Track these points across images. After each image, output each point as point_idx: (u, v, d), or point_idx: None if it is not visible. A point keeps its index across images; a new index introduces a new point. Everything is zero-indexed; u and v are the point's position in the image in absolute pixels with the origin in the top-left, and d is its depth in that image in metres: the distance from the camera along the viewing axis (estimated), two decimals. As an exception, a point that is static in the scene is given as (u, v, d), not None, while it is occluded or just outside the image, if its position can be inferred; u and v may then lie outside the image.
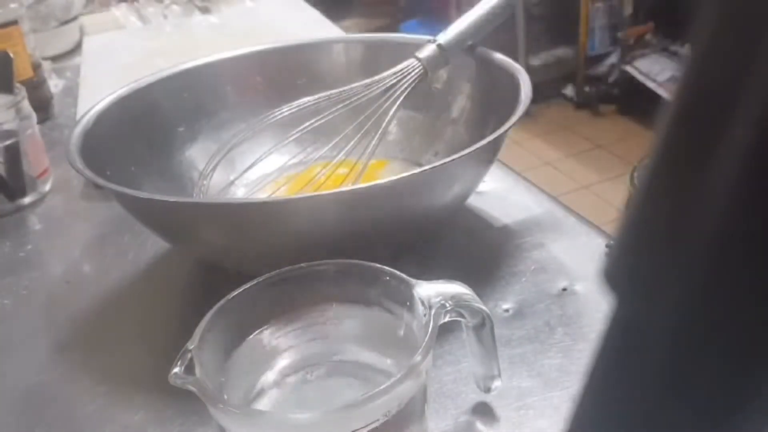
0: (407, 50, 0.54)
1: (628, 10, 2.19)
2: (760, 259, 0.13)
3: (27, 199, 0.62)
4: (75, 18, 1.01)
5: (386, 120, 0.50)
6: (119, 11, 1.07)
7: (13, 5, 0.74)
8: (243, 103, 0.60)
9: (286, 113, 0.53)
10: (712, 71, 0.14)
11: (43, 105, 0.77)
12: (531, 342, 0.40)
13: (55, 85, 0.87)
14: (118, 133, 0.53)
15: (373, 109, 0.50)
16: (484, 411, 0.36)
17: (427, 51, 0.52)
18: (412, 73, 0.52)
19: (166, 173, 0.54)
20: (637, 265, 0.15)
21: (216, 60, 0.61)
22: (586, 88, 2.27)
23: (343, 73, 0.59)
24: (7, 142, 0.60)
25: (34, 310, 0.49)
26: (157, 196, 0.44)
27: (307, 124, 0.52)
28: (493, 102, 0.52)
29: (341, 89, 0.52)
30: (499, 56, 0.54)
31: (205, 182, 0.53)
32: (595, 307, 0.42)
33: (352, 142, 0.50)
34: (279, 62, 0.62)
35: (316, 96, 0.52)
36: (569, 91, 2.31)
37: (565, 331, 0.41)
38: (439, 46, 0.53)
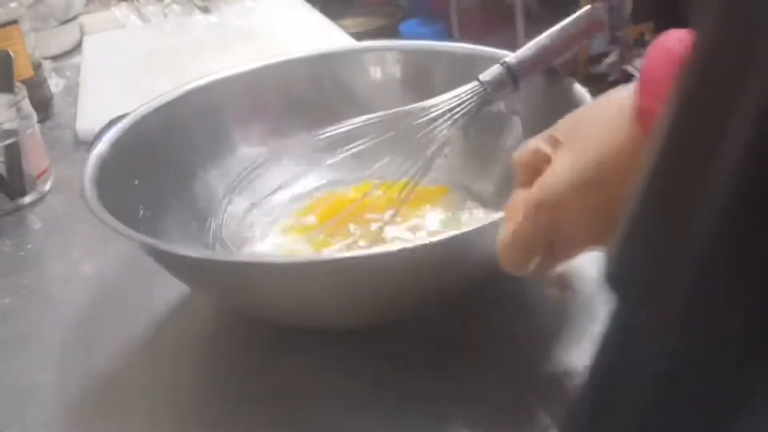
0: (441, 62, 0.51)
1: (627, 9, 2.19)
2: (759, 259, 0.13)
3: (27, 199, 0.62)
4: (75, 17, 1.01)
5: (438, 147, 0.45)
6: (119, 10, 1.07)
7: (13, 5, 0.74)
8: (265, 122, 0.55)
9: (333, 133, 0.48)
10: (712, 71, 0.14)
11: (43, 104, 0.77)
12: (532, 340, 0.40)
13: (55, 84, 0.87)
14: (133, 161, 0.49)
15: (427, 134, 0.46)
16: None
17: (493, 73, 0.46)
18: (473, 98, 0.46)
19: (185, 199, 0.50)
20: (637, 265, 0.15)
21: (235, 74, 0.56)
22: (586, 88, 2.27)
23: (379, 88, 0.55)
24: (8, 142, 0.60)
25: (34, 309, 0.49)
26: (183, 251, 0.40)
27: (357, 143, 0.47)
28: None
29: (392, 111, 0.47)
30: (575, 85, 0.48)
31: (223, 209, 0.49)
32: (595, 306, 0.42)
33: (400, 166, 0.46)
34: (304, 75, 0.56)
35: (365, 117, 0.47)
36: (569, 90, 2.31)
37: (566, 330, 0.41)
38: (508, 68, 0.46)
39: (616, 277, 0.16)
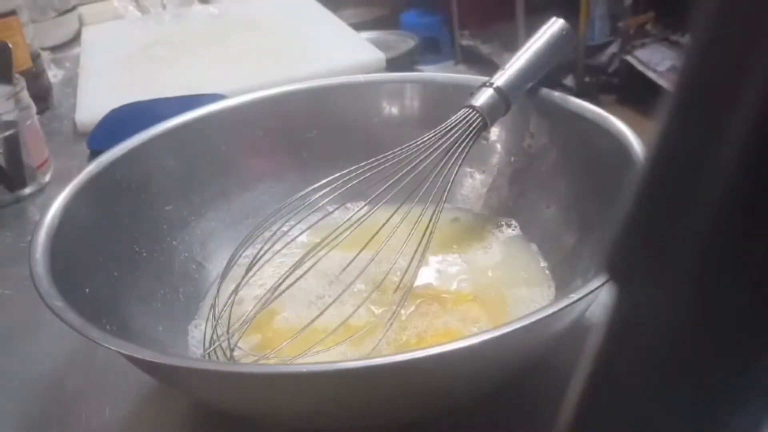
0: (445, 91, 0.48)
1: (628, -1, 2.18)
2: (760, 247, 0.13)
3: (27, 190, 0.62)
4: (73, 8, 1.01)
5: (446, 190, 0.41)
6: (118, 1, 1.07)
7: (11, -5, 0.73)
8: (242, 167, 0.49)
9: (327, 190, 0.41)
10: (713, 60, 0.14)
11: (42, 95, 0.77)
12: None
13: (54, 75, 0.87)
14: (91, 226, 0.41)
15: (430, 178, 0.40)
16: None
17: (484, 97, 0.43)
18: (471, 127, 0.42)
19: (159, 266, 0.43)
20: (637, 253, 0.15)
21: (207, 113, 0.49)
22: (586, 78, 2.26)
23: (370, 120, 0.50)
24: (7, 133, 0.60)
25: (35, 300, 0.49)
26: (166, 360, 0.31)
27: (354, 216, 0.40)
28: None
29: (380, 158, 0.42)
30: (591, 108, 0.44)
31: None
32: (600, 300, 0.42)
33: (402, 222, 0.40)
34: (285, 111, 0.51)
35: (353, 168, 0.41)
36: (569, 81, 2.31)
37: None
38: (497, 89, 0.43)
39: (616, 263, 0.16)
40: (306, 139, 0.50)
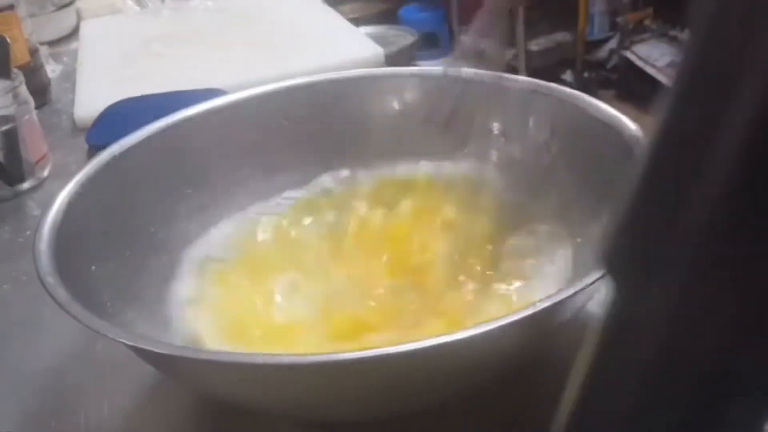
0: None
1: (627, -6, 2.18)
2: (757, 243, 0.13)
3: (25, 185, 0.62)
4: (72, 2, 1.00)
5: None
6: (116, -5, 1.07)
7: (9, -11, 0.73)
8: (261, 157, 0.49)
9: None
10: (712, 54, 0.14)
11: (40, 90, 0.76)
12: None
13: (52, 70, 0.86)
14: (98, 212, 0.41)
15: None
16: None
17: None
18: None
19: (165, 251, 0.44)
20: (633, 247, 0.15)
21: (225, 104, 0.49)
22: (585, 74, 2.26)
23: (390, 111, 0.51)
24: (5, 128, 0.59)
25: (33, 296, 0.49)
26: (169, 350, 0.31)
27: None
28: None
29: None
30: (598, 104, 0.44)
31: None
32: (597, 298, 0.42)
33: None
34: (306, 101, 0.51)
35: None
36: (568, 76, 2.31)
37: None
38: None
39: (613, 257, 0.16)
40: (329, 128, 0.50)
